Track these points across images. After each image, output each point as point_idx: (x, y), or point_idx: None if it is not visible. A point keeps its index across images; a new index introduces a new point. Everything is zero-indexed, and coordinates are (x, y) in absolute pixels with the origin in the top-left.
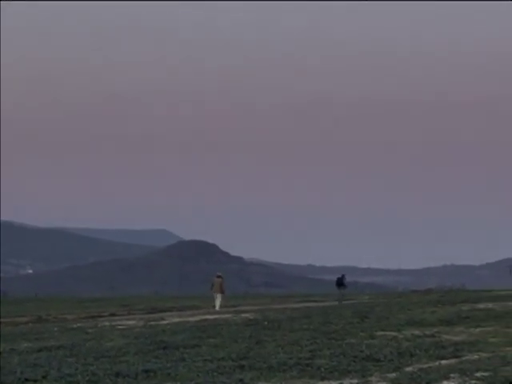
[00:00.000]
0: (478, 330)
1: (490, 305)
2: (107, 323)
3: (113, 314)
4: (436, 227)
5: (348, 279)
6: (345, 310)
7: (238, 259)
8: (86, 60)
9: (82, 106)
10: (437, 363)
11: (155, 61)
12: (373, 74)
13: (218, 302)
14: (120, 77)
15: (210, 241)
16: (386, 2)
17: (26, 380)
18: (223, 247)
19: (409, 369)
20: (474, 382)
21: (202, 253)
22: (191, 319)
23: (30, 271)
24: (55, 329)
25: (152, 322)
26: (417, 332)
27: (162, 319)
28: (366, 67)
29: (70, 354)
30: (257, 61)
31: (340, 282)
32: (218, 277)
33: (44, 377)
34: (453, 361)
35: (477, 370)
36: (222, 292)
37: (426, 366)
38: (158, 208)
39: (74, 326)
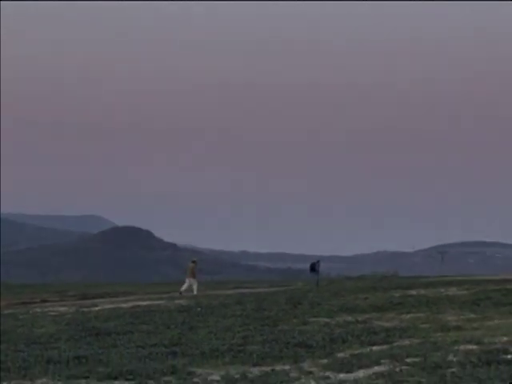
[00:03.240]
0: (409, 316)
1: (422, 291)
2: (39, 309)
3: (44, 301)
4: (369, 214)
5: (283, 266)
6: (278, 297)
7: (172, 245)
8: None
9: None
10: (368, 349)
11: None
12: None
13: (194, 286)
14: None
15: (144, 227)
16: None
17: None
18: (157, 233)
19: (340, 355)
20: (404, 367)
21: (135, 239)
22: (124, 305)
23: None
24: None
25: (84, 309)
26: (349, 318)
27: (95, 305)
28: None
29: (1, 341)
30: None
31: (313, 268)
32: (193, 262)
33: None
34: (384, 347)
35: (407, 356)
36: (193, 277)
37: (357, 351)
38: (91, 194)
39: (5, 312)
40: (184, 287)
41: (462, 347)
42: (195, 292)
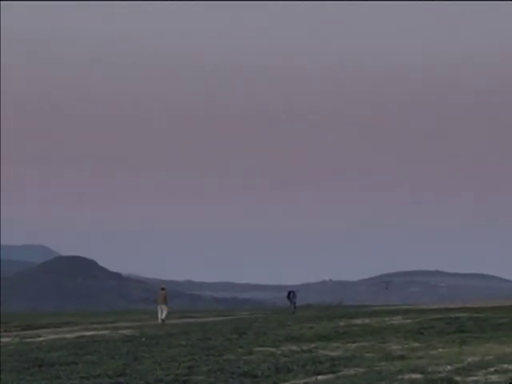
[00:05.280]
0: (354, 345)
1: (367, 320)
2: None
3: None
4: (314, 242)
5: (227, 296)
6: (223, 326)
7: (117, 275)
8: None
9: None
10: (313, 378)
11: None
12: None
13: (164, 313)
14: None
15: (88, 256)
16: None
17: None
18: (101, 263)
19: None
20: None
21: (79, 268)
22: (68, 336)
23: None
24: None
25: (27, 339)
26: (294, 347)
27: (38, 336)
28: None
29: None
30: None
31: (288, 296)
32: (162, 289)
33: None
34: (329, 376)
35: None
36: (165, 303)
37: (302, 381)
38: (34, 223)
39: None
40: (164, 314)
41: (406, 376)
42: (163, 317)
